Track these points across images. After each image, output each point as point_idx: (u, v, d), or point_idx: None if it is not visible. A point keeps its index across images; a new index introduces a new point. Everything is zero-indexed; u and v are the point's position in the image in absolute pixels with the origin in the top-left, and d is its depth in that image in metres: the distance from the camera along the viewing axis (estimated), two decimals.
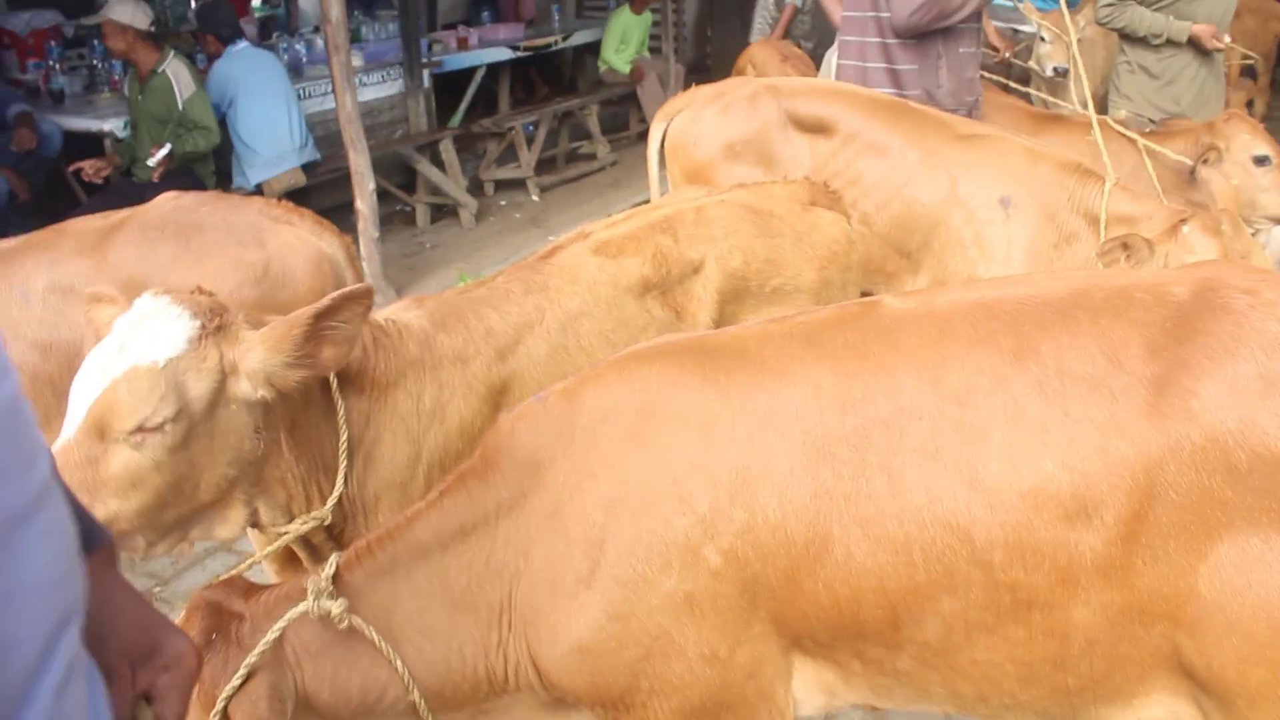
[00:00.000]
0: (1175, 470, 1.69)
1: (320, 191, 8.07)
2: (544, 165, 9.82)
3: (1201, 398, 1.70)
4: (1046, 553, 1.76)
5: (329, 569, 2.02)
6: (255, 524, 2.44)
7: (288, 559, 3.18)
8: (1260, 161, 4.65)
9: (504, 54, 10.40)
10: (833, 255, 3.04)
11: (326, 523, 2.47)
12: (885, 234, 4.05)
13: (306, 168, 7.57)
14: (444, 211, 8.88)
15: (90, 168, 6.43)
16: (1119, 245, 3.41)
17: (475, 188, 9.24)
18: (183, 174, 6.54)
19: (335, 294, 2.11)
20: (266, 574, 2.59)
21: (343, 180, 7.63)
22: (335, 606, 1.93)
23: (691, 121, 4.36)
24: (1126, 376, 1.76)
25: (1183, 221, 3.54)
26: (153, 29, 6.49)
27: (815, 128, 4.18)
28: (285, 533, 2.47)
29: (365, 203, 6.74)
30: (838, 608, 1.89)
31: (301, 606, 1.94)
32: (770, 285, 2.90)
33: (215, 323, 2.11)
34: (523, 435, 2.00)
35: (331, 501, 2.45)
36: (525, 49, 10.59)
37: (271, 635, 1.92)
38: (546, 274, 2.70)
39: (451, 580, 2.02)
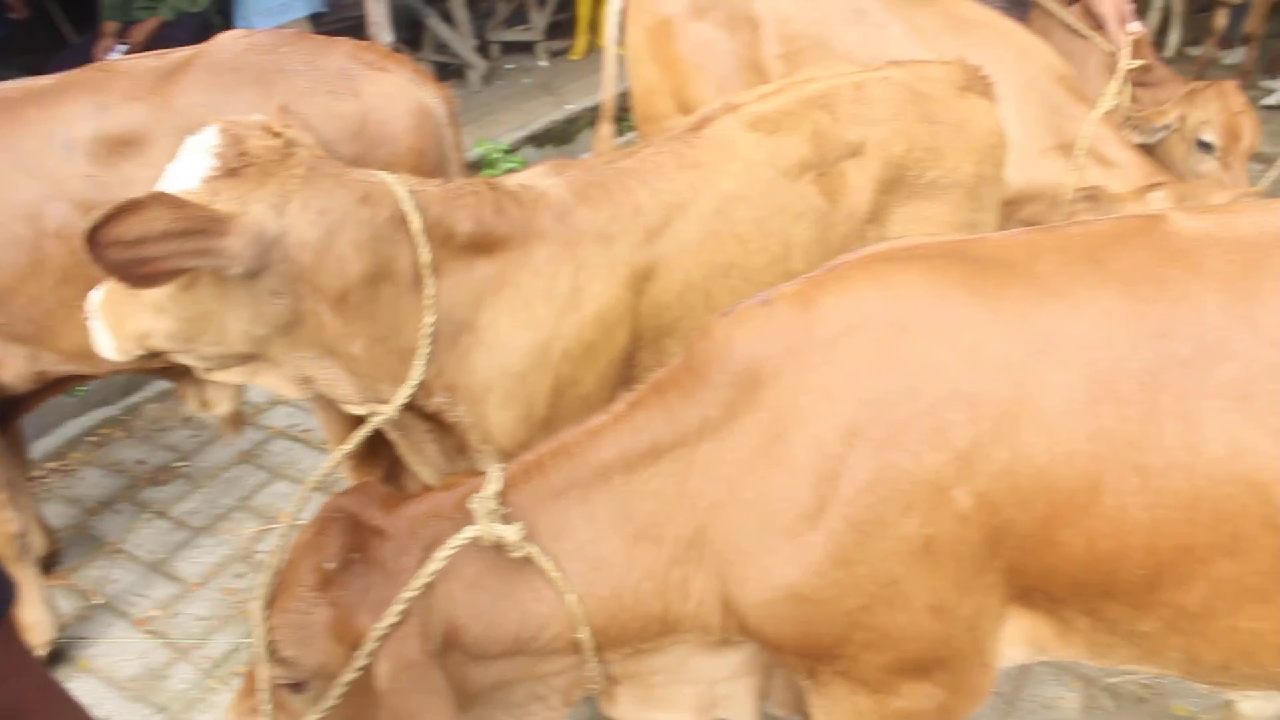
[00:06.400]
0: None
1: None
2: (554, 29, 9.22)
3: None
4: None
5: (492, 484, 1.72)
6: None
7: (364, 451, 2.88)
8: (1204, 147, 4.13)
9: None
10: (989, 148, 2.70)
11: (392, 417, 2.21)
12: None
13: (313, 19, 6.97)
14: (448, 71, 8.32)
15: None
16: (1087, 198, 3.25)
17: (480, 49, 8.66)
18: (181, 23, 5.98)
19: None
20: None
21: (350, 32, 7.05)
22: (511, 533, 1.64)
23: None
24: None
25: (1155, 186, 3.33)
26: None
27: None
28: (357, 415, 2.23)
29: None
30: (1093, 564, 1.64)
31: (470, 531, 1.65)
32: (927, 177, 2.57)
33: (233, 166, 1.97)
34: (741, 345, 1.68)
35: (401, 396, 2.16)
36: None
37: (434, 566, 1.63)
38: (699, 148, 2.35)
39: (635, 507, 1.73)
